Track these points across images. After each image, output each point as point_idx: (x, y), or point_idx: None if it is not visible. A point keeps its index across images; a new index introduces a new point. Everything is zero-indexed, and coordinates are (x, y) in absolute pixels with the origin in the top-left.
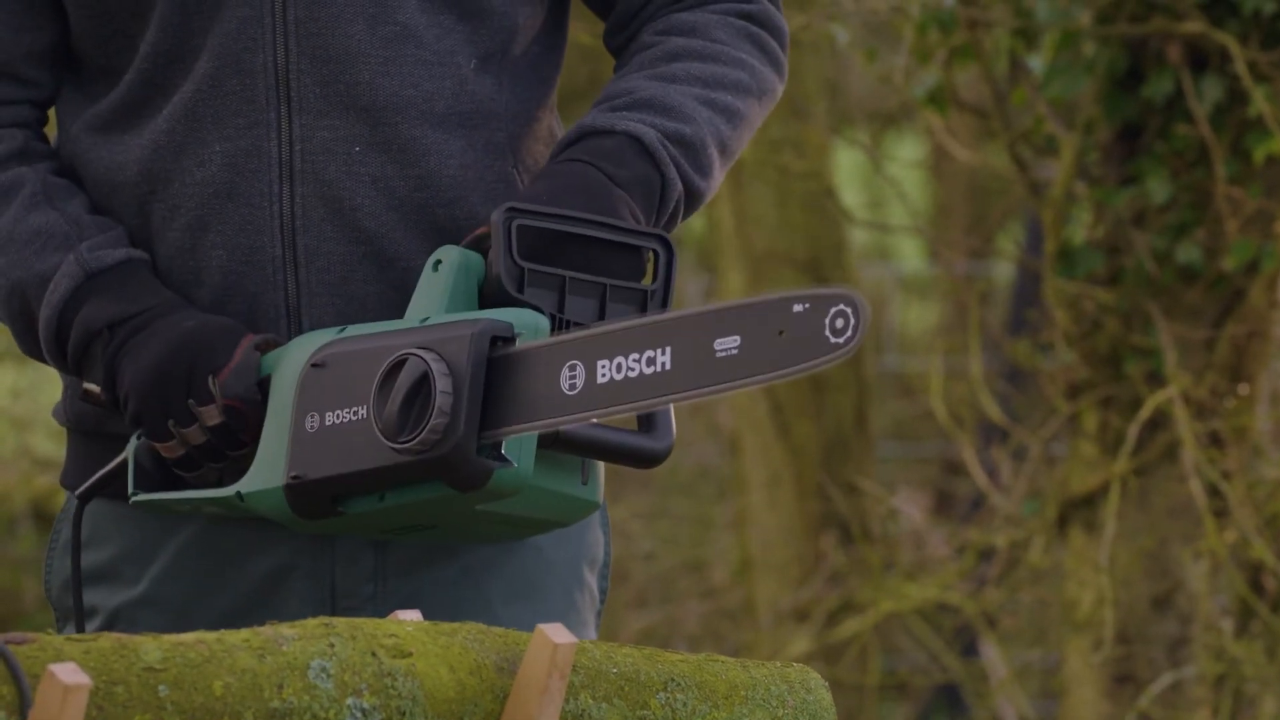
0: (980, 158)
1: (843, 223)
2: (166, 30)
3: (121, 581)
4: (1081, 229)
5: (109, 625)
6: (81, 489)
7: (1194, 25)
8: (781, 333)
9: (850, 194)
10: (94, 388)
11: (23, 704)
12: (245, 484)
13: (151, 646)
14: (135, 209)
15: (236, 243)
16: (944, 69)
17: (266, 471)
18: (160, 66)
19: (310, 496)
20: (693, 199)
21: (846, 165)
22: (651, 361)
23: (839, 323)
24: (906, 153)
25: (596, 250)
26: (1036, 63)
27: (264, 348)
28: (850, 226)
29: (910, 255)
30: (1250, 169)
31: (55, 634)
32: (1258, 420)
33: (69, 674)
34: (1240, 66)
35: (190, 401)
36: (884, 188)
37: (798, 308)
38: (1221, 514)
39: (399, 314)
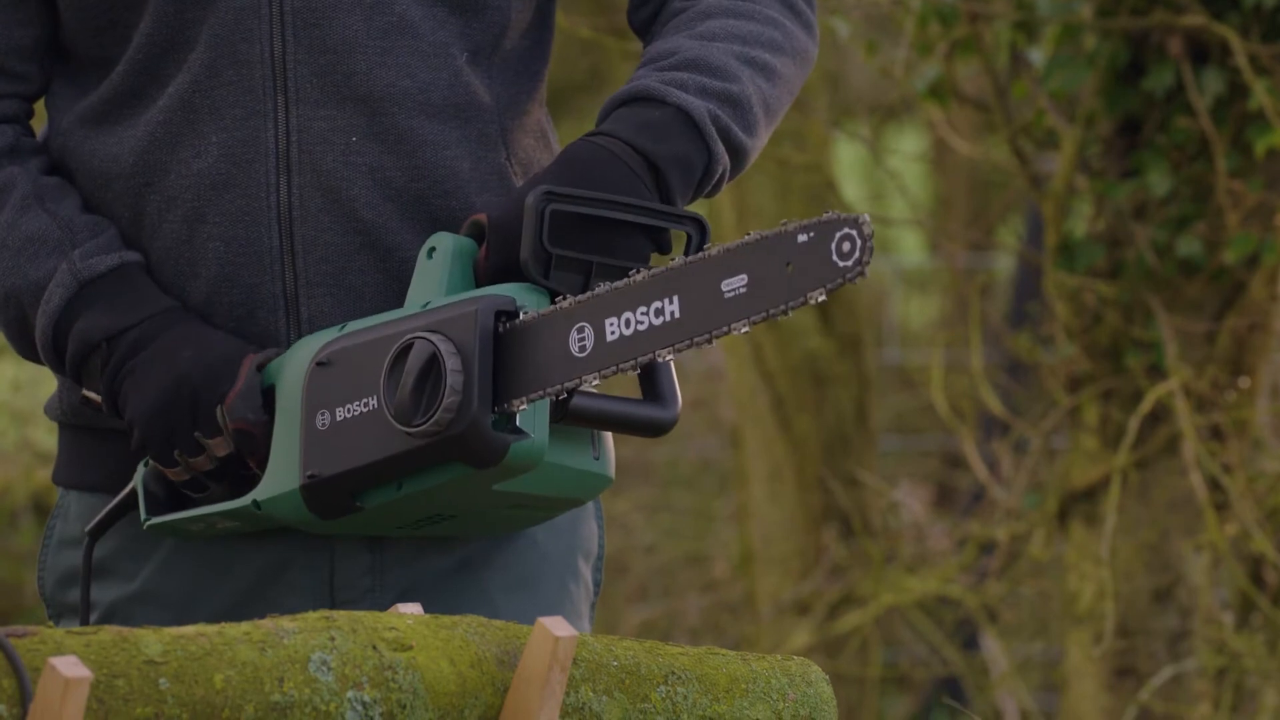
0: (981, 151)
1: None
2: (161, 19)
3: (118, 577)
4: (1082, 222)
5: (105, 621)
6: (92, 525)
7: (1195, 18)
8: (789, 265)
9: (851, 187)
10: (94, 395)
11: (23, 697)
12: (260, 491)
13: (152, 639)
14: (130, 201)
15: (233, 234)
16: (945, 62)
17: (281, 476)
18: (155, 56)
19: (328, 494)
20: (739, 159)
21: (847, 158)
22: (660, 312)
23: (845, 246)
24: (907, 146)
25: (624, 232)
26: (1037, 56)
27: (265, 364)
28: None
29: (911, 248)
30: (1251, 162)
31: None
32: (1258, 413)
33: (70, 667)
34: (1241, 60)
35: (197, 434)
36: (885, 181)
37: (802, 238)
38: (1222, 507)
39: (397, 304)
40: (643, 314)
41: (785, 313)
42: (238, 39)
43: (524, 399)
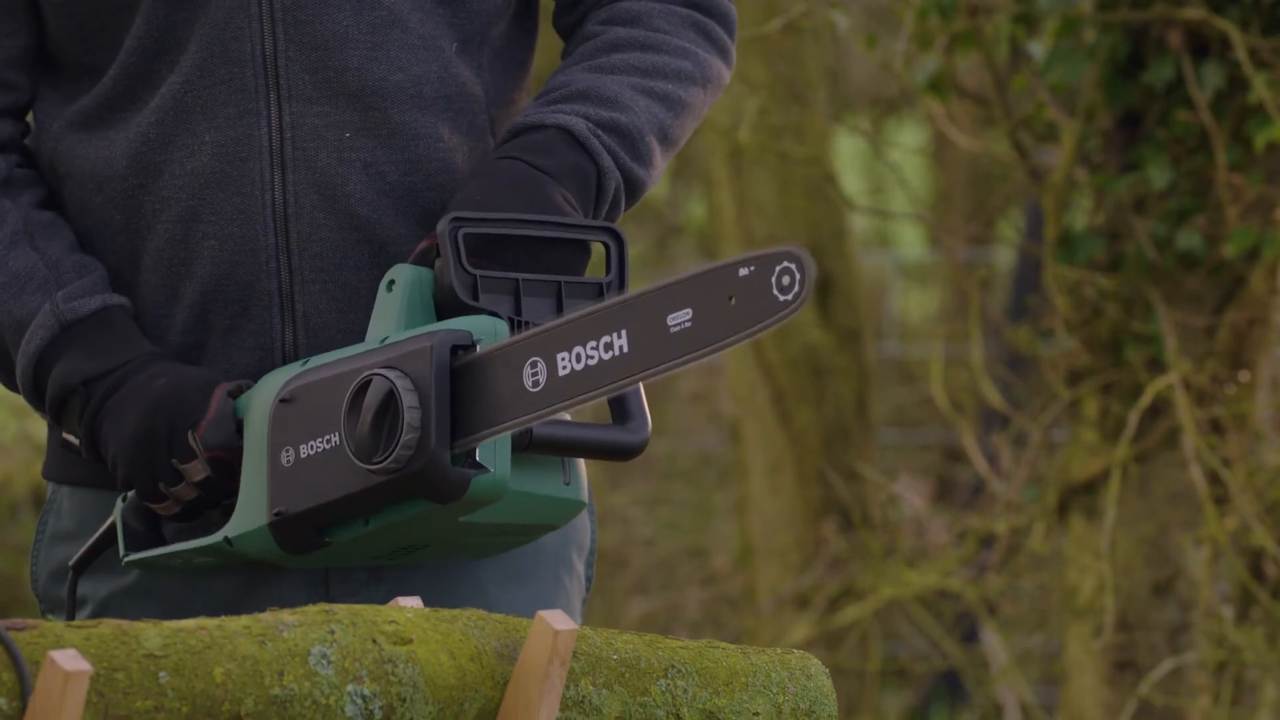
0: (981, 144)
1: (843, 209)
2: (152, 23)
3: (110, 571)
4: (1082, 215)
5: (99, 615)
6: (75, 559)
7: (1195, 11)
8: (731, 299)
9: (851, 180)
10: (73, 438)
11: (23, 690)
12: (231, 528)
13: (152, 633)
14: (123, 204)
15: (228, 232)
16: (945, 55)
17: (250, 513)
18: (146, 60)
19: (295, 530)
20: (632, 188)
21: (847, 152)
22: (609, 346)
23: (785, 280)
24: (907, 139)
25: (544, 247)
26: (1037, 49)
27: (237, 393)
28: (851, 213)
29: (911, 242)
30: (1251, 155)
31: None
32: (1258, 407)
33: (69, 660)
34: (1241, 53)
35: (174, 461)
36: (885, 174)
37: (743, 271)
38: (1222, 500)
39: None
40: (593, 349)
41: (730, 345)
42: (229, 37)
43: (481, 434)
